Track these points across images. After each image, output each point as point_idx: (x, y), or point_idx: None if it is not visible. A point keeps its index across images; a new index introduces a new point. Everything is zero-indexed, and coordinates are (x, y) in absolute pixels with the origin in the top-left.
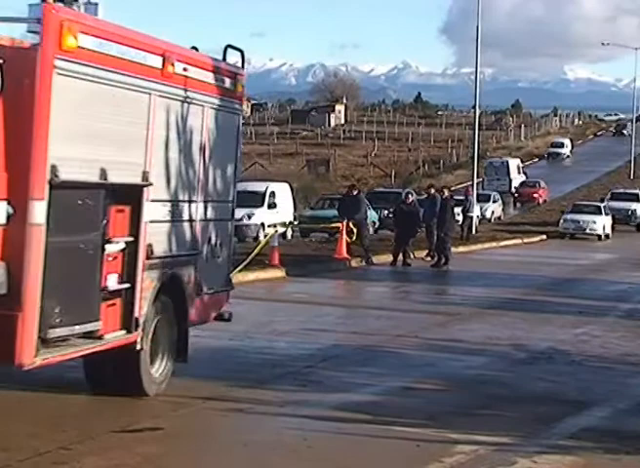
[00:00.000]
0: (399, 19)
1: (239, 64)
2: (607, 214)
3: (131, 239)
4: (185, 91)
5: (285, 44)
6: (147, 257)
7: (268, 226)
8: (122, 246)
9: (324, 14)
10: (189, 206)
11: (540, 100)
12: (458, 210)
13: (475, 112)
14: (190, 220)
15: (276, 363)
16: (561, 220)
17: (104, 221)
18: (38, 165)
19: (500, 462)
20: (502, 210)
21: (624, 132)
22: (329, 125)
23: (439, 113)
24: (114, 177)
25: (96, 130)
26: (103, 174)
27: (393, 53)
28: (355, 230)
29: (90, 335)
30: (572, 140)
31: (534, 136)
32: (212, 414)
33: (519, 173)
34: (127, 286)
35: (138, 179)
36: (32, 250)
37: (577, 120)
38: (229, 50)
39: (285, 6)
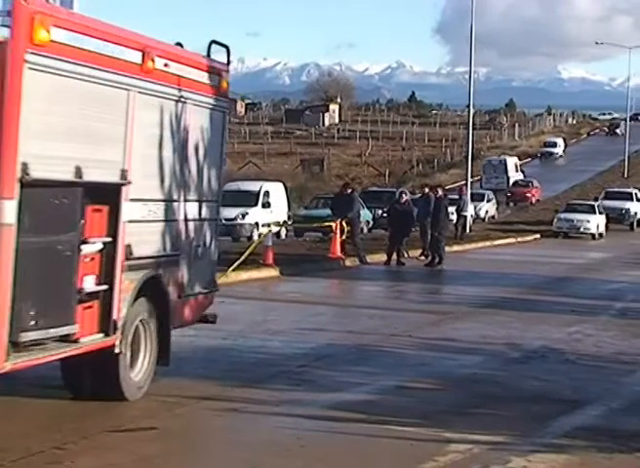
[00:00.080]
0: (393, 18)
1: (224, 61)
2: (601, 214)
3: (109, 239)
4: (167, 87)
5: (279, 43)
6: (126, 258)
7: (262, 226)
8: (99, 246)
9: (318, 13)
10: (171, 205)
11: (533, 100)
12: (452, 209)
13: (469, 111)
14: (172, 220)
15: (270, 362)
16: (555, 219)
17: (81, 221)
18: (8, 162)
19: (494, 461)
20: (497, 209)
21: (618, 131)
22: (323, 124)
23: (433, 112)
24: (90, 176)
25: (70, 126)
26: (79, 172)
27: (387, 52)
28: (348, 228)
29: (65, 339)
30: (565, 140)
31: (527, 136)
32: (206, 414)
33: (517, 171)
34: (105, 287)
35: (116, 178)
36: (2, 250)
37: (570, 119)
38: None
39: (279, 5)
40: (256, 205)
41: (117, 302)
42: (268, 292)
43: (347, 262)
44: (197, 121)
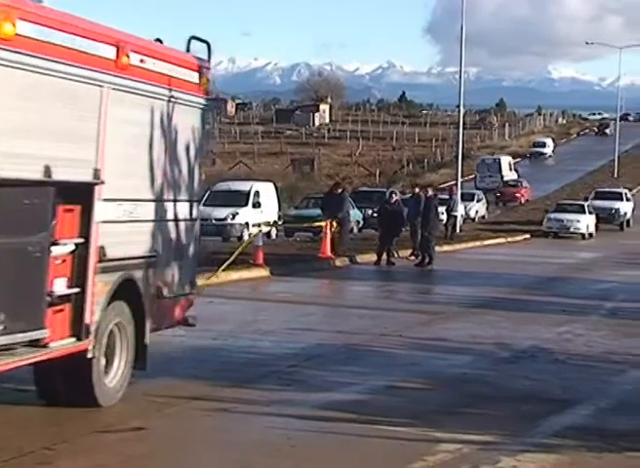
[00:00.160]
0: (384, 18)
1: (205, 57)
2: (591, 213)
3: (81, 240)
4: (143, 84)
5: (270, 43)
6: (99, 260)
7: (253, 226)
8: (71, 248)
9: (309, 13)
10: (147, 205)
11: (524, 99)
12: (442, 209)
13: (459, 111)
14: (149, 221)
15: (260, 362)
16: (545, 219)
17: (51, 222)
18: None
19: (483, 461)
20: (487, 209)
21: (607, 131)
22: (313, 124)
23: (423, 112)
24: (61, 175)
25: (39, 124)
26: (48, 171)
27: (378, 52)
28: (338, 227)
29: (35, 344)
30: (554, 140)
31: (518, 136)
32: (196, 414)
33: (511, 170)
34: (76, 290)
35: (88, 177)
36: None
37: (561, 119)
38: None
39: (270, 5)
40: (246, 205)
41: (90, 305)
42: (259, 291)
43: (338, 262)
44: (175, 118)
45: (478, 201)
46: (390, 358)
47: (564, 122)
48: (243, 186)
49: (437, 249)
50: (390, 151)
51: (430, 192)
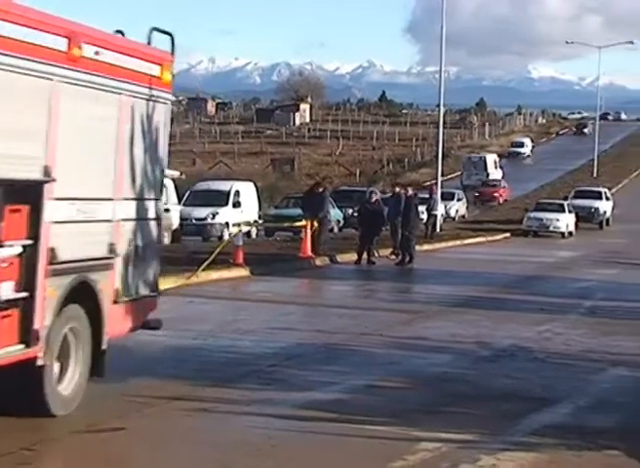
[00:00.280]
0: (364, 18)
1: (168, 49)
2: (570, 212)
3: (29, 242)
4: (98, 77)
5: (250, 43)
6: (50, 263)
7: (233, 225)
8: (18, 250)
9: (289, 13)
10: (104, 204)
11: (504, 99)
12: (422, 208)
13: (440, 111)
14: (106, 220)
15: (240, 362)
16: (525, 218)
17: None
18: None
19: (463, 459)
20: (467, 208)
21: (585, 131)
22: (294, 124)
23: (404, 112)
24: (6, 173)
25: None
26: None
27: (358, 51)
28: (317, 227)
29: None
30: (532, 140)
31: (498, 135)
32: (176, 414)
33: (496, 168)
34: (24, 295)
35: (37, 175)
36: None
37: (540, 118)
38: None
39: (250, 5)
40: (226, 204)
41: (40, 310)
42: (239, 291)
43: (318, 262)
44: (134, 113)
45: (458, 200)
46: (370, 357)
47: (544, 121)
48: (223, 186)
49: (417, 248)
50: (370, 151)
51: (410, 191)
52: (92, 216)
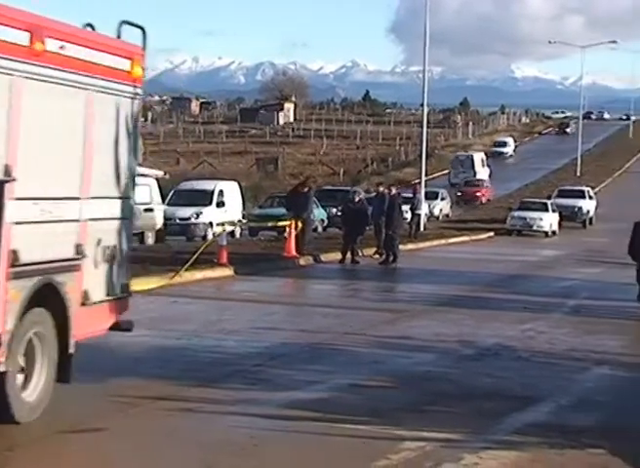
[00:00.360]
0: (348, 17)
1: (140, 43)
2: (554, 211)
3: None
4: (63, 72)
5: (234, 42)
6: (12, 265)
7: (217, 225)
8: None
9: (273, 12)
10: (71, 204)
11: (487, 98)
12: (406, 207)
13: (423, 110)
14: (72, 220)
15: (225, 361)
16: (508, 217)
17: None
18: None
19: (446, 458)
20: (451, 207)
21: (568, 130)
22: (278, 123)
23: (387, 111)
24: None
25: None
26: None
27: (342, 51)
28: (300, 226)
29: None
30: (515, 139)
31: (481, 134)
32: (160, 414)
33: (483, 166)
34: None
35: None
36: None
37: (524, 118)
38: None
39: (234, 4)
40: (210, 204)
41: (1, 314)
42: (223, 291)
43: (302, 261)
44: (102, 109)
45: (442, 199)
46: (354, 356)
47: (527, 121)
48: (207, 185)
49: (401, 247)
50: (354, 150)
51: (394, 191)
52: (57, 216)
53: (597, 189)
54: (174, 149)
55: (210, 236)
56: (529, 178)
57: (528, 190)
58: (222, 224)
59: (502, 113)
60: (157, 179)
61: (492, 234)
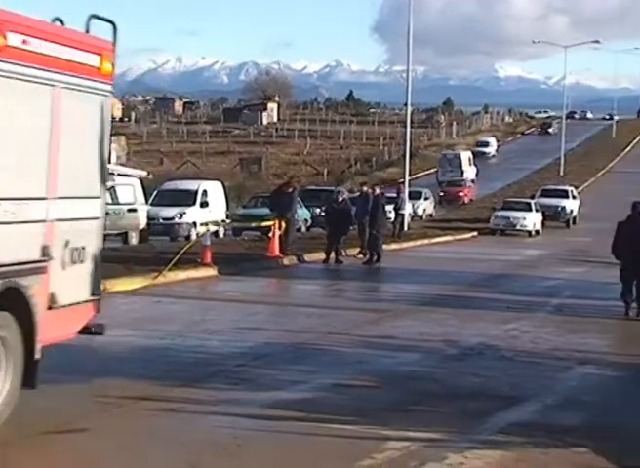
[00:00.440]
0: (331, 17)
1: (110, 38)
2: (537, 211)
3: None
4: (27, 67)
5: (217, 42)
6: None
7: (200, 225)
8: None
9: (256, 12)
10: (36, 204)
11: (470, 98)
12: (390, 207)
13: (407, 110)
14: (37, 221)
15: (208, 361)
16: (492, 217)
17: None
18: None
19: (431, 458)
20: (434, 207)
21: (550, 130)
22: (261, 123)
23: (371, 111)
24: None
25: None
26: None
27: (326, 51)
28: (284, 226)
29: None
30: (497, 139)
31: (465, 134)
32: (143, 414)
33: (470, 164)
34: None
35: None
36: None
37: (507, 117)
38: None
39: (217, 4)
40: (194, 204)
41: None
42: (206, 291)
43: (286, 261)
44: (70, 106)
45: (426, 199)
46: (338, 356)
47: (511, 120)
48: (191, 185)
49: (385, 247)
50: (338, 150)
51: (378, 190)
52: (21, 217)
53: (580, 189)
54: (157, 149)
55: (193, 236)
56: (512, 178)
57: (511, 190)
58: (206, 224)
59: (486, 113)
60: (141, 179)
61: (475, 234)
